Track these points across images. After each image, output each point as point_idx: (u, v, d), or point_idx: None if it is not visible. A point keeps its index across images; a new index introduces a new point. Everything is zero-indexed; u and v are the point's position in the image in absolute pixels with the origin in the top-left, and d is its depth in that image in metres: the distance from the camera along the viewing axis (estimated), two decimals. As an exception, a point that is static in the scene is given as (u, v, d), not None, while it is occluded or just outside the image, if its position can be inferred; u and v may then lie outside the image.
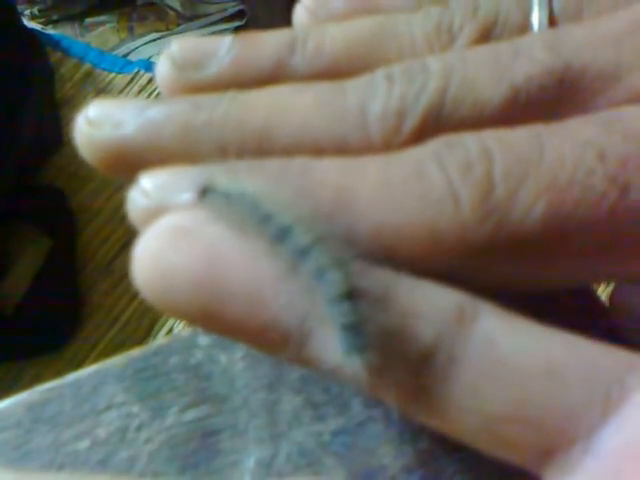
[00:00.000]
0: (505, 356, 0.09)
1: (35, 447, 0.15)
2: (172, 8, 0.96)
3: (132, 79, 0.61)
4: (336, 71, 0.13)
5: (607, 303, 0.16)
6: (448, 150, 0.11)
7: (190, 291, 0.10)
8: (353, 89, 0.12)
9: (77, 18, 0.90)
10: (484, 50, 0.12)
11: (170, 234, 0.10)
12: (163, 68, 0.13)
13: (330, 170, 0.11)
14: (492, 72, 0.11)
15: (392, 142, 0.11)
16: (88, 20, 0.90)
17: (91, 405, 0.15)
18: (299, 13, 0.14)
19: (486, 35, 0.13)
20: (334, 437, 0.14)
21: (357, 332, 0.09)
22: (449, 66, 0.12)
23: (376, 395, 0.10)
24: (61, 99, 0.57)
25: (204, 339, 0.16)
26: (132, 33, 0.91)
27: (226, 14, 0.97)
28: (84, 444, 0.15)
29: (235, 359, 0.15)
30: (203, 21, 0.95)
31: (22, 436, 0.15)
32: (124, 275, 0.48)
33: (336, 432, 0.14)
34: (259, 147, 0.11)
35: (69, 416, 0.15)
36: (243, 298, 0.10)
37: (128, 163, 0.12)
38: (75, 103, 0.58)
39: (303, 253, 0.10)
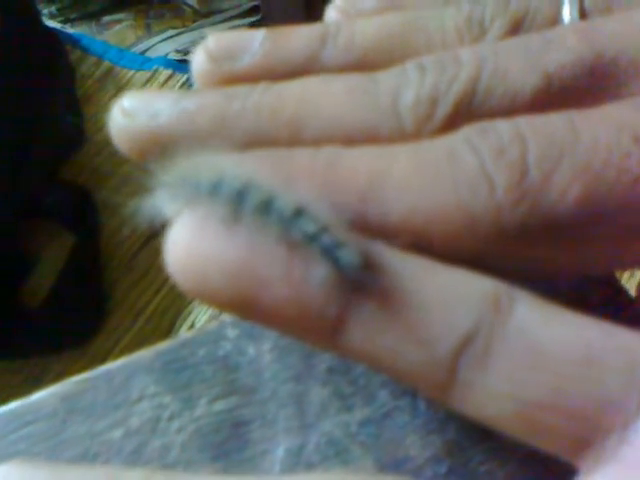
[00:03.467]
0: (543, 344, 0.10)
1: (70, 436, 0.15)
2: (188, 5, 0.97)
3: (151, 76, 0.61)
4: (367, 64, 0.13)
5: (635, 293, 0.16)
6: (481, 135, 0.11)
7: (227, 278, 0.10)
8: (385, 79, 0.12)
9: (94, 16, 0.91)
10: (516, 41, 0.12)
11: (202, 222, 0.10)
12: (199, 60, 0.13)
13: (362, 156, 0.11)
14: (524, 61, 0.12)
15: (424, 130, 0.11)
16: (105, 18, 0.91)
17: (124, 396, 0.15)
18: (330, 12, 0.15)
19: (517, 29, 0.13)
20: (361, 427, 0.14)
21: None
22: (481, 56, 0.12)
23: (408, 383, 0.11)
24: (82, 97, 0.58)
25: (232, 331, 0.16)
26: (149, 30, 0.91)
27: (241, 10, 0.97)
28: (118, 433, 0.15)
29: (263, 351, 0.16)
30: (219, 17, 0.96)
31: (57, 426, 0.15)
32: (147, 270, 0.48)
33: (363, 422, 0.15)
34: (291, 136, 0.12)
35: (103, 407, 0.15)
36: (280, 285, 0.10)
37: (162, 151, 0.12)
38: (96, 100, 0.59)
39: (316, 236, 0.10)
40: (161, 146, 0.12)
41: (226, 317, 0.16)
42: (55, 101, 0.50)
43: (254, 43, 0.13)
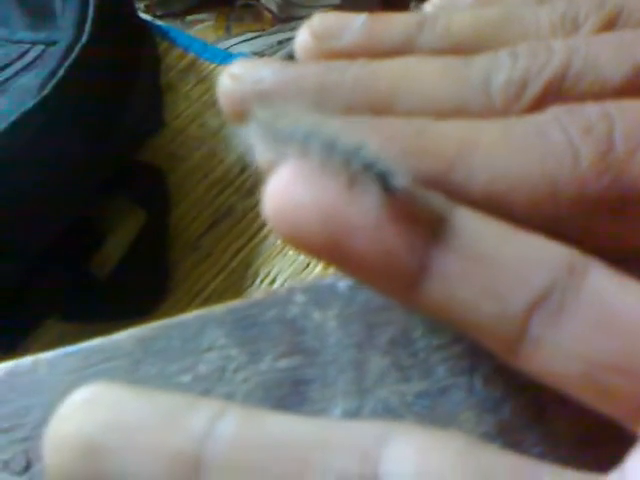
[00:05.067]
0: (615, 309, 0.10)
1: (143, 376, 0.16)
2: (269, 10, 0.99)
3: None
4: (461, 51, 0.13)
5: None
6: (569, 114, 0.11)
7: (319, 223, 0.11)
8: (478, 62, 0.13)
9: (179, 15, 0.95)
10: (608, 35, 0.13)
11: (300, 172, 0.11)
12: (303, 37, 0.14)
13: (452, 127, 0.11)
14: (615, 52, 0.12)
15: (512, 109, 0.12)
16: (189, 18, 0.95)
17: (194, 345, 0.16)
18: (427, 8, 0.15)
19: (609, 27, 0.13)
20: (417, 398, 0.15)
21: None
22: (573, 47, 0.12)
23: (479, 336, 0.11)
24: (165, 85, 0.61)
25: (300, 297, 0.17)
26: (229, 32, 0.94)
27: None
28: (187, 378, 0.16)
29: (328, 317, 0.16)
30: (297, 24, 0.98)
31: (132, 365, 0.16)
32: (209, 253, 0.50)
33: (419, 394, 0.15)
34: (385, 108, 0.12)
35: (175, 352, 0.16)
36: (367, 232, 0.10)
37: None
38: (177, 90, 0.62)
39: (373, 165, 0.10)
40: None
41: (294, 285, 0.17)
42: (139, 88, 0.53)
43: (356, 24, 0.14)
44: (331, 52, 0.14)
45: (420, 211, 0.10)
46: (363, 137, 0.11)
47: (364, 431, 0.10)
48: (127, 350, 0.17)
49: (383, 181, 0.10)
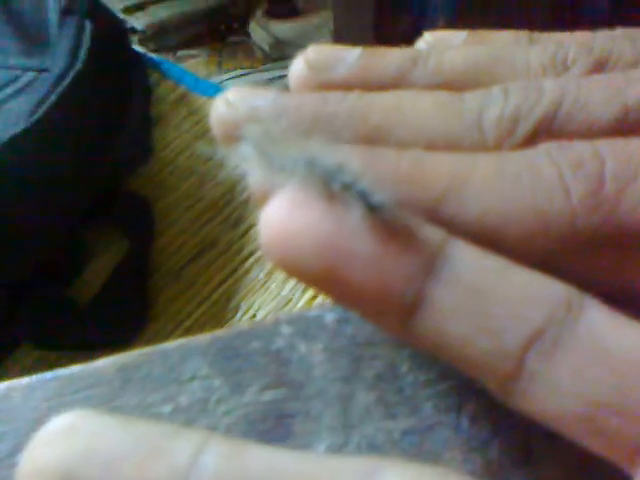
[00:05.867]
0: (611, 347, 0.10)
1: (122, 405, 0.16)
2: (261, 48, 1.01)
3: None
4: (453, 88, 0.14)
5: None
6: (561, 150, 0.11)
7: (315, 253, 0.10)
8: (471, 97, 0.13)
9: (171, 50, 0.97)
10: (598, 77, 0.13)
11: (298, 200, 0.11)
12: (297, 67, 0.14)
13: (445, 159, 0.12)
14: (605, 94, 0.12)
15: (504, 145, 0.12)
16: (180, 52, 0.97)
17: (177, 374, 0.16)
18: (420, 45, 0.16)
19: (598, 70, 0.14)
20: (403, 436, 0.15)
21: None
22: (563, 86, 0.13)
23: (474, 371, 0.11)
24: (156, 116, 0.61)
25: (286, 328, 0.17)
26: (220, 67, 0.96)
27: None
28: (167, 408, 0.16)
29: (315, 350, 0.16)
30: (288, 62, 0.99)
31: (112, 393, 0.16)
32: (192, 283, 0.50)
33: (406, 431, 0.15)
34: (378, 139, 0.12)
35: (156, 381, 0.16)
36: (364, 262, 0.10)
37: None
38: (167, 121, 0.62)
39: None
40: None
41: (280, 316, 0.17)
42: (130, 116, 0.53)
43: (351, 56, 0.14)
44: (326, 83, 0.14)
45: (416, 242, 0.10)
46: (353, 163, 0.11)
47: (353, 466, 0.10)
48: (106, 378, 0.16)
49: (364, 199, 0.10)
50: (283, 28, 0.97)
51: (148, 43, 0.94)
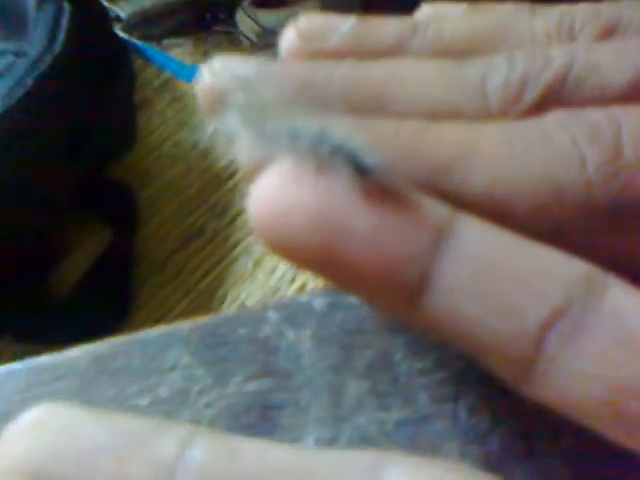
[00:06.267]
0: (637, 331, 0.09)
1: (96, 397, 0.15)
2: (247, 37, 1.00)
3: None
4: (454, 57, 0.13)
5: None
6: (573, 117, 0.11)
7: (310, 229, 0.09)
8: (473, 64, 0.12)
9: (155, 39, 0.95)
10: (608, 42, 0.12)
11: (290, 173, 0.10)
12: (288, 37, 0.14)
13: (449, 129, 0.11)
14: (617, 58, 0.11)
15: (510, 112, 0.11)
16: (165, 42, 0.95)
17: (156, 364, 0.15)
18: (418, 16, 0.15)
19: (607, 37, 0.13)
20: (397, 427, 0.14)
21: None
22: (572, 51, 0.12)
23: (487, 357, 0.10)
24: (140, 102, 0.60)
25: (274, 314, 0.16)
26: (206, 56, 0.94)
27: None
28: (145, 401, 0.15)
29: (303, 337, 0.15)
30: (275, 51, 0.98)
31: (85, 385, 0.15)
32: (176, 274, 0.49)
33: (400, 423, 0.14)
34: (376, 108, 0.12)
35: (133, 372, 0.15)
36: (364, 238, 0.09)
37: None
38: (151, 107, 0.61)
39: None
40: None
41: (268, 302, 0.16)
42: (112, 101, 0.52)
43: (345, 25, 0.13)
44: (318, 53, 0.13)
45: (421, 215, 0.09)
46: (342, 129, 0.10)
47: (353, 461, 0.09)
48: (80, 369, 0.15)
49: (354, 161, 0.10)
50: (270, 17, 0.96)
51: (132, 32, 0.92)
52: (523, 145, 0.10)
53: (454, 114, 0.11)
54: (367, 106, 0.12)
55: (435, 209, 0.10)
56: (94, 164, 0.51)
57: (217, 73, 0.13)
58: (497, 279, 0.09)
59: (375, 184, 0.09)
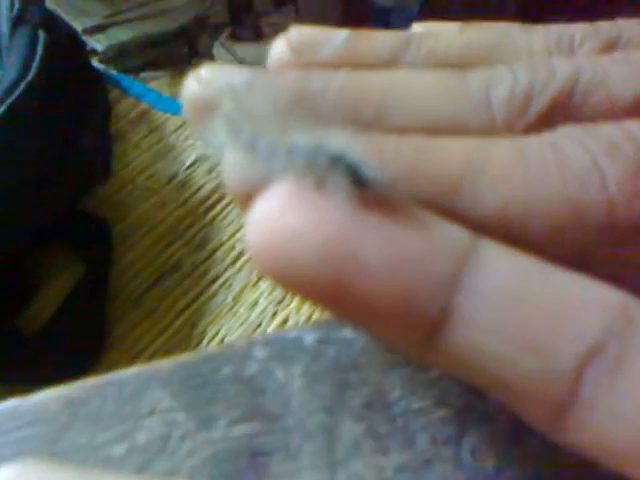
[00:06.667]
0: None
1: (68, 446, 0.13)
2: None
3: (185, 122, 0.63)
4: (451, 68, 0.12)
5: None
6: (587, 132, 0.10)
7: (318, 259, 0.08)
8: (475, 75, 0.11)
9: (133, 72, 0.94)
10: (612, 55, 0.12)
11: (291, 195, 0.09)
12: (278, 50, 0.13)
13: (454, 145, 0.10)
14: (624, 69, 0.11)
15: (515, 125, 0.11)
16: (143, 74, 0.95)
17: (132, 408, 0.14)
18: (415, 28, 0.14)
19: (608, 52, 0.12)
20: (397, 473, 0.13)
21: None
22: (577, 64, 0.11)
23: (515, 401, 0.09)
24: (115, 134, 0.59)
25: (260, 351, 0.15)
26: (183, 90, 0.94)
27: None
28: (120, 449, 0.13)
29: (293, 375, 0.14)
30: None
31: (56, 432, 0.14)
32: (153, 310, 0.47)
33: (400, 468, 0.13)
34: (371, 125, 0.11)
35: (108, 417, 0.14)
36: (379, 268, 0.08)
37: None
38: (127, 139, 0.60)
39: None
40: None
41: (255, 337, 0.15)
42: (87, 132, 0.51)
43: (338, 38, 0.13)
44: (310, 65, 0.13)
45: (440, 242, 0.09)
46: (339, 141, 0.09)
47: None
48: (50, 414, 0.14)
49: (354, 173, 0.09)
50: (248, 50, 0.97)
51: (109, 64, 0.92)
52: (537, 163, 0.10)
53: (457, 127, 0.11)
54: (364, 118, 0.11)
55: (454, 233, 0.09)
56: (67, 195, 0.49)
57: (205, 82, 0.12)
58: (526, 312, 0.08)
59: (380, 199, 0.09)
